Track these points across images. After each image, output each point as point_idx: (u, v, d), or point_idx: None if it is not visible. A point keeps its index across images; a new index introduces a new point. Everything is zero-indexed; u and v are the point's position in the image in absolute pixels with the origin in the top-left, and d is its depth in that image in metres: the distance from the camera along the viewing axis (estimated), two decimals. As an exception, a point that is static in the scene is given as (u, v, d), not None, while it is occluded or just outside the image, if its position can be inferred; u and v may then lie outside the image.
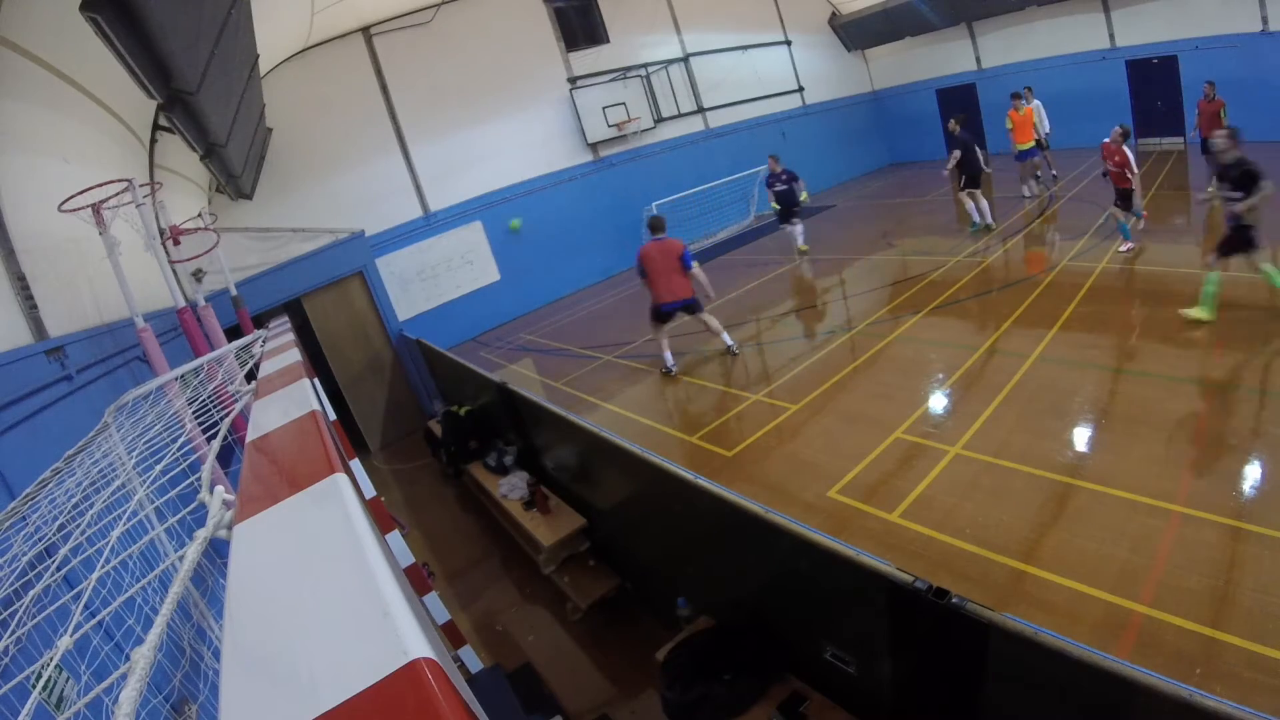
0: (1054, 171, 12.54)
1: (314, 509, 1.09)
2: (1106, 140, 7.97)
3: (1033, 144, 11.13)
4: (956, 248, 9.70)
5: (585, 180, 13.18)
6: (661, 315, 7.50)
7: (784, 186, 11.24)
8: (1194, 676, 2.83)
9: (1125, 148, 7.78)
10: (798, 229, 11.50)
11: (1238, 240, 5.80)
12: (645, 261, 7.33)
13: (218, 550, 1.20)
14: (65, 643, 0.96)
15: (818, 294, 9.68)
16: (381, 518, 3.53)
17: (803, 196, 11.38)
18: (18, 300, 3.35)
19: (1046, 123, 11.90)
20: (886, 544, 4.10)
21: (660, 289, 7.31)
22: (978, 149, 10.13)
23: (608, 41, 13.50)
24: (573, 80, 13.05)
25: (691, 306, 7.44)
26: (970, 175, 10.12)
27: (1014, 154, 11.50)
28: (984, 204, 10.24)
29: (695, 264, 7.26)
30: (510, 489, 5.66)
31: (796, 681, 3.05)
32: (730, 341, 7.69)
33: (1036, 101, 11.84)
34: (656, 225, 7.64)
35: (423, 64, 11.40)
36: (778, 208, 11.56)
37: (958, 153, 10.11)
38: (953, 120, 10.87)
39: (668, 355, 7.71)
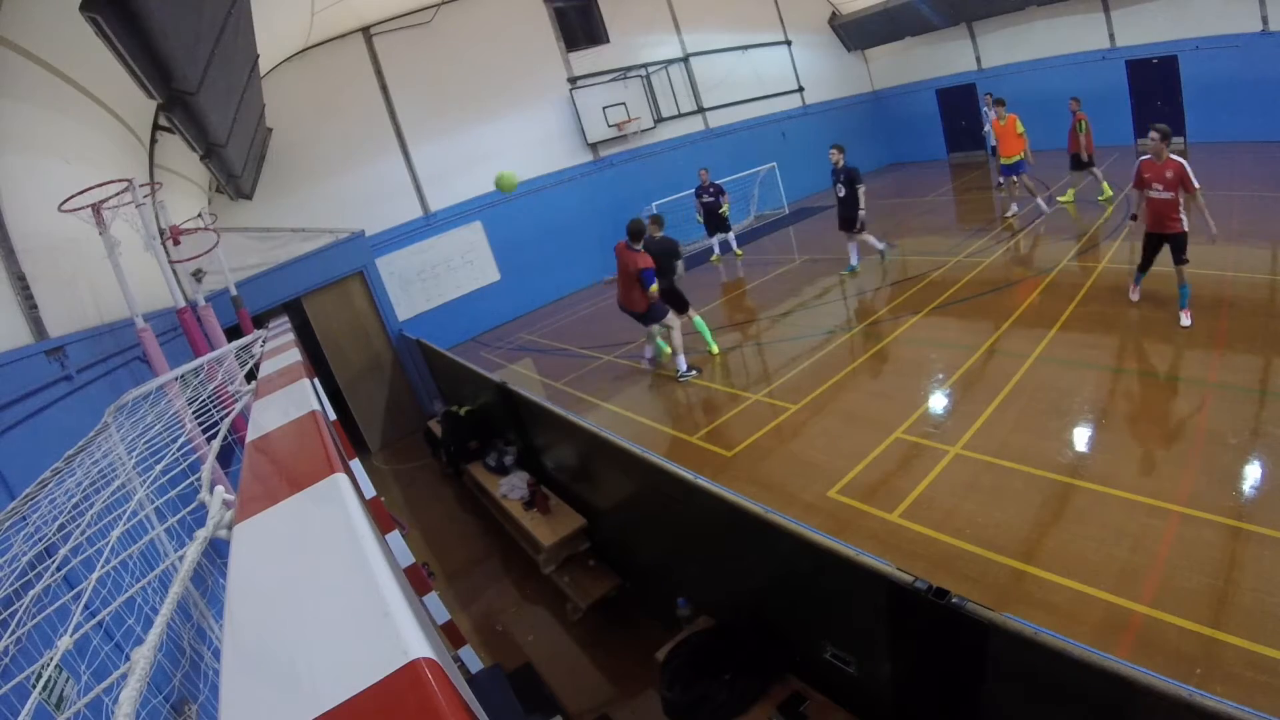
0: (1000, 179, 11.85)
1: (314, 509, 1.09)
2: (1146, 157, 5.78)
3: (1019, 158, 10.12)
4: (956, 248, 9.70)
5: (585, 180, 13.18)
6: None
7: (710, 199, 11.88)
8: (1194, 676, 2.83)
9: (1180, 158, 5.58)
10: (727, 238, 12.47)
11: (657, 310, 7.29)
12: (617, 259, 7.34)
13: (218, 550, 1.20)
14: (65, 643, 0.96)
15: (747, 293, 9.89)
16: (381, 518, 3.53)
17: (722, 209, 11.96)
18: (18, 300, 3.35)
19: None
20: (886, 544, 4.09)
21: (620, 293, 7.53)
22: (860, 188, 9.06)
23: (608, 41, 13.50)
24: (573, 80, 13.05)
25: (644, 318, 7.46)
26: (846, 218, 9.39)
27: (999, 167, 10.60)
28: (863, 242, 9.56)
29: (653, 289, 7.04)
30: (510, 489, 5.66)
31: (796, 681, 3.05)
32: (683, 367, 7.50)
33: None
34: (636, 232, 7.17)
35: (423, 64, 11.40)
36: (701, 219, 12.33)
37: (862, 188, 9.12)
38: (834, 149, 9.41)
39: (647, 350, 8.14)
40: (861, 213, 9.17)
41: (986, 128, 12.16)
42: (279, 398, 2.12)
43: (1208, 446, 4.23)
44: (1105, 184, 10.18)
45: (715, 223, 12.13)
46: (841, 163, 9.31)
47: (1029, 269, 8.28)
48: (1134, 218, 6.10)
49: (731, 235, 12.63)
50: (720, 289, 11.01)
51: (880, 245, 9.64)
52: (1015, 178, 10.37)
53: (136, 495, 1.48)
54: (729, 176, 14.27)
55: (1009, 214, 10.55)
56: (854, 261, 9.72)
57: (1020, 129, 10.07)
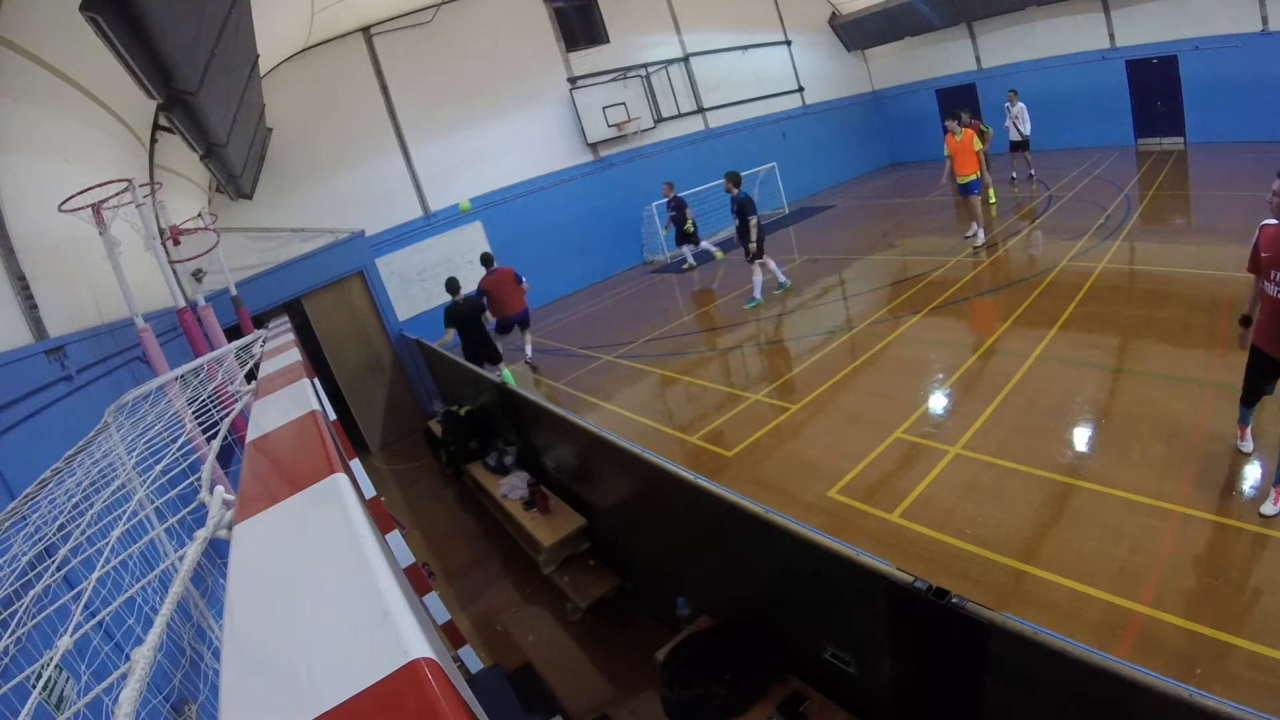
0: (1032, 171, 12.51)
1: (314, 509, 1.09)
2: (1270, 222, 3.63)
3: (975, 176, 9.37)
4: (956, 248, 9.69)
5: (585, 180, 13.18)
6: (506, 328, 8.86)
7: (675, 212, 11.95)
8: (1194, 676, 2.83)
9: None
10: (688, 250, 12.29)
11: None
12: (496, 286, 8.52)
13: (218, 550, 1.20)
14: (65, 643, 0.96)
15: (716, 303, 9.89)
16: (381, 518, 3.53)
17: (687, 225, 11.92)
18: (18, 300, 3.35)
19: (1028, 124, 11.98)
20: (886, 544, 4.10)
21: (502, 310, 8.62)
22: (751, 219, 8.96)
23: (608, 41, 13.50)
24: (573, 80, 13.04)
25: (525, 319, 9.01)
26: (744, 248, 9.24)
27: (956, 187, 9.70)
28: (770, 267, 9.41)
29: (525, 281, 8.71)
30: (510, 489, 5.66)
31: (796, 681, 3.05)
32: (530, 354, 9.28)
33: (1021, 105, 11.91)
34: (487, 259, 8.73)
35: (423, 64, 11.39)
36: (665, 231, 12.50)
37: (754, 219, 8.97)
38: (726, 178, 9.31)
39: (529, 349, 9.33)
40: (751, 245, 9.08)
41: (1006, 123, 12.28)
42: (279, 398, 2.12)
43: (1208, 446, 4.23)
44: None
45: (681, 237, 12.07)
46: (734, 193, 9.12)
47: (1029, 269, 8.27)
48: (1245, 323, 3.99)
49: (690, 249, 12.32)
50: (693, 300, 10.83)
51: (782, 278, 9.46)
52: (968, 198, 9.60)
53: (136, 495, 1.48)
54: (729, 177, 14.27)
55: (968, 234, 9.73)
56: (757, 295, 9.42)
57: (978, 146, 9.38)
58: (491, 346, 8.26)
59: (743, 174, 14.41)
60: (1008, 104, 12.18)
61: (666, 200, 12.10)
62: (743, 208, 8.99)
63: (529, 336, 9.35)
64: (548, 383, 8.75)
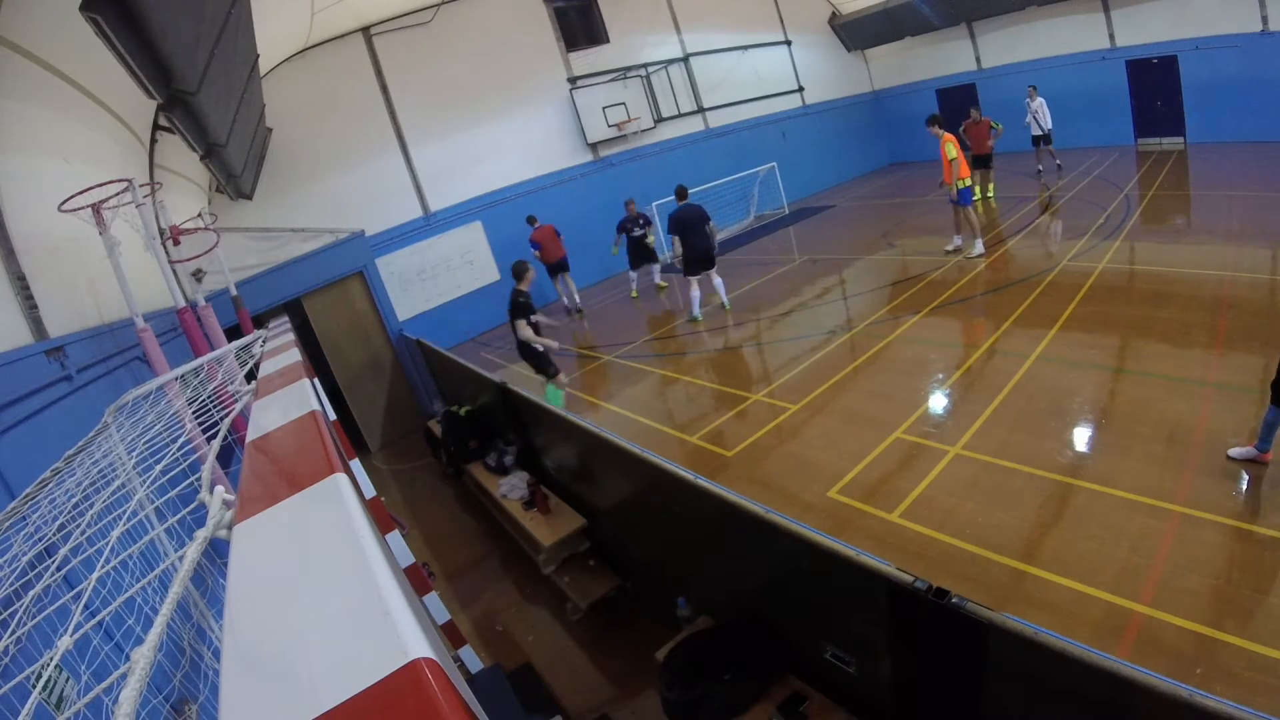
0: (1058, 162, 12.81)
1: (314, 509, 1.10)
2: None
3: (962, 185, 8.84)
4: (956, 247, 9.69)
5: (585, 180, 13.18)
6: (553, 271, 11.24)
7: (640, 232, 11.28)
8: (1194, 676, 2.83)
9: None
10: (653, 269, 11.73)
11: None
12: (546, 239, 10.94)
13: (218, 550, 1.20)
14: (65, 643, 0.96)
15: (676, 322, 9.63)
16: (381, 518, 3.53)
17: (648, 239, 11.40)
18: (18, 300, 3.35)
19: (1048, 118, 12.30)
20: (886, 544, 4.10)
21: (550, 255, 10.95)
22: (708, 224, 8.78)
23: (608, 41, 13.50)
24: (573, 80, 13.05)
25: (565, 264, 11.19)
26: (694, 258, 8.92)
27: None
28: (691, 294, 9.23)
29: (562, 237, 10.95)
30: (510, 489, 5.66)
31: (796, 681, 3.05)
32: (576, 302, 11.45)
33: (1040, 99, 12.19)
34: (531, 220, 11.30)
35: (423, 64, 11.40)
36: (616, 250, 11.70)
37: (676, 238, 8.83)
38: (676, 194, 9.13)
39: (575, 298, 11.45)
40: (678, 259, 9.14)
41: (1027, 119, 12.47)
42: (279, 398, 2.12)
43: (1208, 446, 4.23)
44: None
45: (642, 254, 11.38)
46: (684, 203, 9.00)
47: (1029, 269, 8.27)
48: None
49: (658, 267, 11.82)
50: (647, 324, 10.32)
51: (695, 310, 9.35)
52: (956, 207, 9.16)
53: (136, 495, 1.48)
54: (729, 177, 14.28)
55: (948, 248, 9.56)
56: (696, 311, 9.31)
57: (952, 154, 8.60)
58: (529, 348, 7.10)
59: (742, 174, 14.55)
60: (1027, 99, 12.35)
61: (628, 217, 11.20)
62: (692, 222, 8.77)
63: (571, 285, 11.35)
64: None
